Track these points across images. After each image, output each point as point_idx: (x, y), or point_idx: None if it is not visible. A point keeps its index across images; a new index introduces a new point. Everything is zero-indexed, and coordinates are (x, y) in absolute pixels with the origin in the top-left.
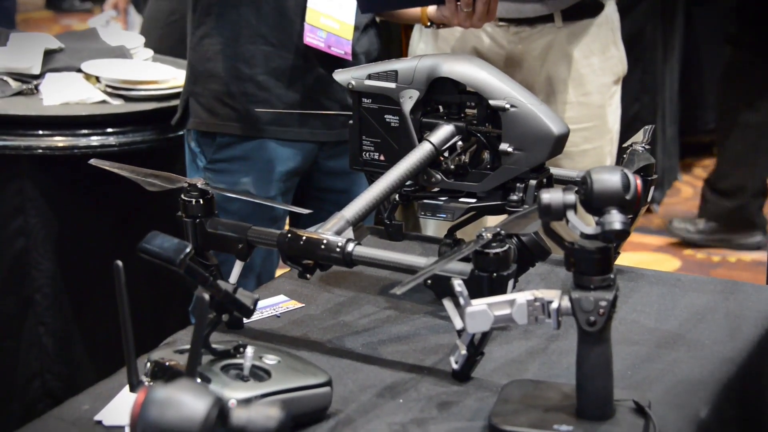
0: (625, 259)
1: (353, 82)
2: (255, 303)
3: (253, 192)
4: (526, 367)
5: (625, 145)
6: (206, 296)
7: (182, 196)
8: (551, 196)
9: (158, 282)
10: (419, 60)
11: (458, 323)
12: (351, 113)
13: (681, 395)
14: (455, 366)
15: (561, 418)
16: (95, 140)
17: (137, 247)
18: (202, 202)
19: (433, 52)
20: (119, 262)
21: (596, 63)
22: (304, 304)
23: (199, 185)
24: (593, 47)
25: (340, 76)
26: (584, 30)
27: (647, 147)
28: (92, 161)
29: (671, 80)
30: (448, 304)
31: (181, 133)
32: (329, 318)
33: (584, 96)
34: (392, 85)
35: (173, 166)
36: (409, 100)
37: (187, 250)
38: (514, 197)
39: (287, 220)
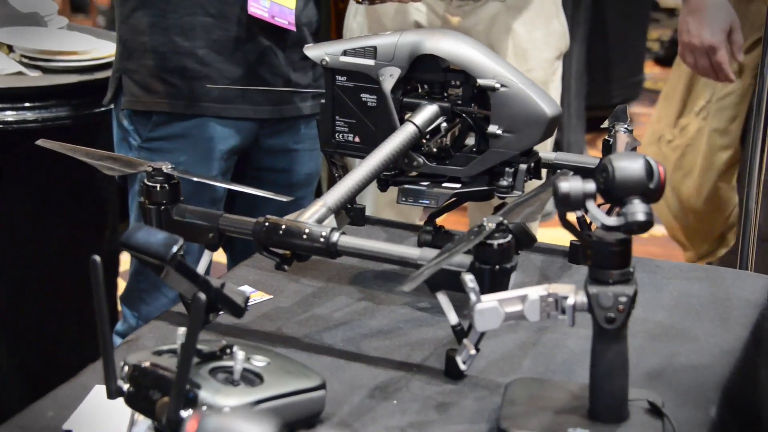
0: (544, 236)
1: (327, 59)
2: (246, 301)
3: (192, 172)
4: (519, 363)
5: (604, 126)
6: (203, 296)
7: (145, 181)
8: (570, 184)
9: (78, 270)
10: (400, 35)
11: (453, 319)
12: (296, 89)
13: (687, 392)
14: (464, 366)
15: (574, 420)
16: (11, 115)
17: (120, 241)
18: (167, 187)
19: (369, 28)
20: (97, 257)
21: (540, 38)
22: (272, 296)
23: (165, 169)
24: (537, 21)
25: (312, 51)
26: (527, 4)
27: (630, 129)
28: (40, 141)
29: (578, 55)
30: (442, 298)
31: (108, 108)
32: (301, 311)
33: (527, 72)
34: (371, 62)
35: (95, 143)
36: (389, 78)
37: (179, 244)
38: (504, 182)
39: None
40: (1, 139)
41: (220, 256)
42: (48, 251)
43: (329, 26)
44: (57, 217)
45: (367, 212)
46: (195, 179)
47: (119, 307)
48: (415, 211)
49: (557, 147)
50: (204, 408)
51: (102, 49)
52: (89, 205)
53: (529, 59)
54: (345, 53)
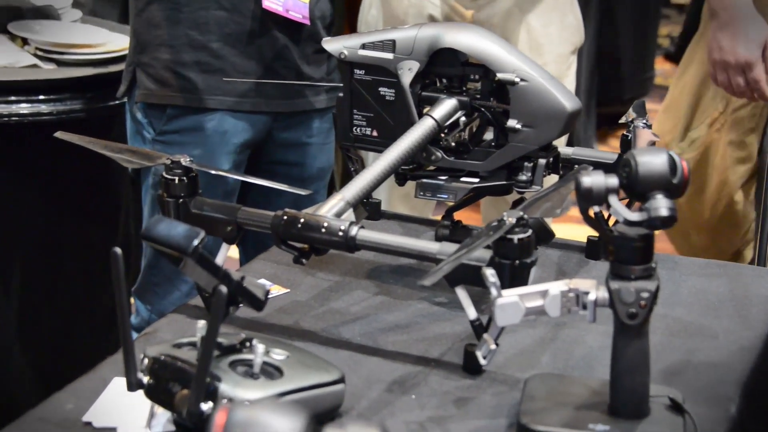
0: (559, 232)
1: (345, 52)
2: (266, 294)
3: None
4: (538, 359)
5: (623, 121)
6: (225, 289)
7: (164, 174)
8: (593, 179)
9: (92, 264)
10: (419, 29)
11: (472, 314)
12: (312, 83)
13: (708, 389)
14: (484, 361)
15: (594, 416)
16: (25, 108)
17: (140, 233)
18: (186, 180)
19: (384, 21)
20: (118, 250)
21: (554, 32)
22: (289, 290)
23: (183, 162)
24: (552, 16)
25: (331, 45)
26: None
27: (649, 123)
28: (58, 134)
29: (588, 52)
30: (461, 293)
31: (122, 101)
32: (318, 305)
33: (542, 66)
34: (389, 56)
35: (109, 136)
36: (408, 72)
37: (201, 236)
38: (523, 177)
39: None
40: (15, 132)
41: (233, 250)
42: (62, 244)
43: (343, 19)
44: (71, 210)
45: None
46: (213, 172)
47: (132, 300)
48: (428, 206)
49: (567, 143)
50: (224, 401)
51: (116, 42)
52: (103, 198)
53: (543, 54)
54: (363, 47)
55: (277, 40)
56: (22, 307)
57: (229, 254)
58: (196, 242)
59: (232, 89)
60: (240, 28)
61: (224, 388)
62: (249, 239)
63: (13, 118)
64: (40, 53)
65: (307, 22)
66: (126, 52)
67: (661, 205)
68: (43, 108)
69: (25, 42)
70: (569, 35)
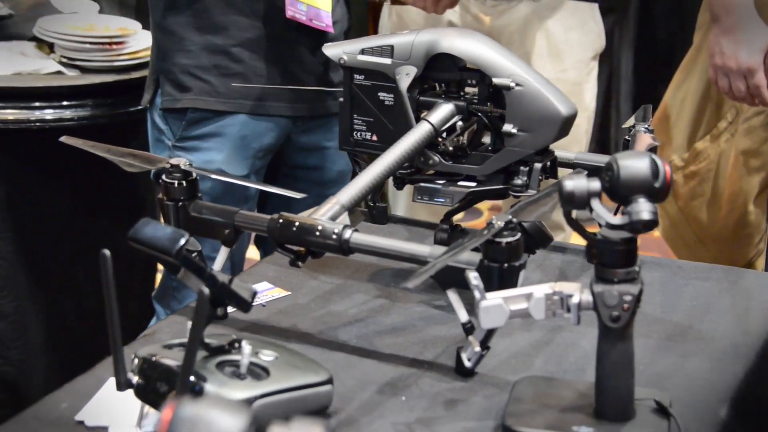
0: (576, 238)
1: (345, 57)
2: (253, 296)
3: (226, 170)
4: (531, 362)
5: (626, 125)
6: (207, 290)
7: (163, 177)
8: (575, 183)
9: (116, 266)
10: (417, 34)
11: (463, 316)
12: (329, 88)
13: (698, 393)
14: (468, 364)
15: (579, 419)
16: (49, 113)
17: (127, 236)
18: (185, 184)
19: (402, 27)
20: (106, 251)
21: (574, 38)
22: (290, 292)
23: (182, 166)
24: (572, 22)
25: (331, 50)
26: (562, 3)
27: (650, 128)
28: (63, 138)
29: (626, 57)
30: (452, 295)
31: (144, 107)
32: (318, 307)
33: (562, 72)
34: (388, 61)
35: (130, 141)
36: (406, 77)
37: (185, 238)
38: (519, 181)
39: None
40: (39, 137)
41: (254, 253)
42: (86, 248)
43: (367, 25)
44: (94, 215)
45: (401, 212)
46: (213, 176)
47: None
48: None
49: (604, 147)
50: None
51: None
52: (126, 202)
53: (564, 59)
54: (363, 52)
55: (297, 45)
56: (48, 308)
57: (248, 256)
58: (181, 243)
59: (252, 93)
60: (260, 33)
61: (210, 388)
62: (269, 241)
63: (37, 124)
64: (64, 60)
65: (331, 30)
66: (147, 57)
67: (642, 208)
68: (67, 114)
69: (51, 49)
70: (590, 41)
